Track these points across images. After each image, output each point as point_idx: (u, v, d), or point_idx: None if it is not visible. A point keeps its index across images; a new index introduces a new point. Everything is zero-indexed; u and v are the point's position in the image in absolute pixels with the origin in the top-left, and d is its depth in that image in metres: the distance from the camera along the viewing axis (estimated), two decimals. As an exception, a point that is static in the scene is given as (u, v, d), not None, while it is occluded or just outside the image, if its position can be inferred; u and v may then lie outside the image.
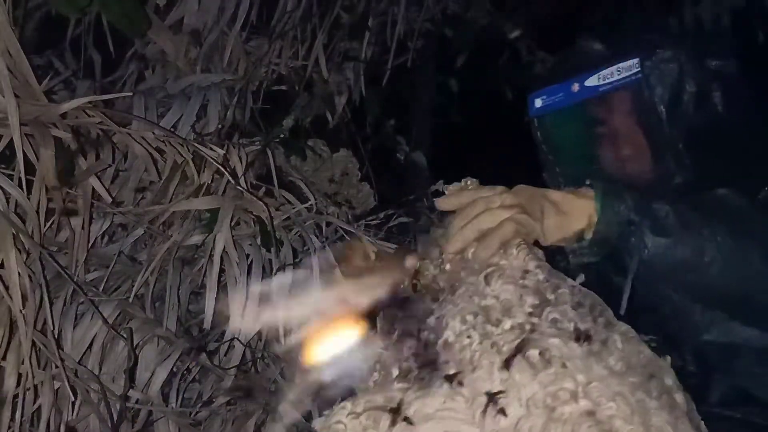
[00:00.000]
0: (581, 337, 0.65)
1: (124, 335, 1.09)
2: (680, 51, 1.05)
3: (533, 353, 0.62)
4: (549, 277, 0.74)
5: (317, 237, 1.32)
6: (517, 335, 0.65)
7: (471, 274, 0.76)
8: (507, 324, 0.67)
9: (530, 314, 0.68)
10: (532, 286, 0.72)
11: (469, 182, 0.93)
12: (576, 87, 1.09)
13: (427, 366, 0.66)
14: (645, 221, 0.86)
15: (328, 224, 1.39)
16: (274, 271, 1.26)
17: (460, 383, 0.62)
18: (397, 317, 0.75)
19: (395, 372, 0.68)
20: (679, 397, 0.66)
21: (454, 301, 0.72)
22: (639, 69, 1.04)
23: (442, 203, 0.88)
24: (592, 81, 1.08)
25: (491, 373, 0.62)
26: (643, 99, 1.05)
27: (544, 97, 1.14)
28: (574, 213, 0.87)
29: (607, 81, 1.07)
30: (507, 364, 0.62)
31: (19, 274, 0.98)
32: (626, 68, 1.05)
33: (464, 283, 0.75)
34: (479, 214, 0.82)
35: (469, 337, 0.67)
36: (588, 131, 1.13)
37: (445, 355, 0.66)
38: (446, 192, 0.92)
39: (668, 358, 0.69)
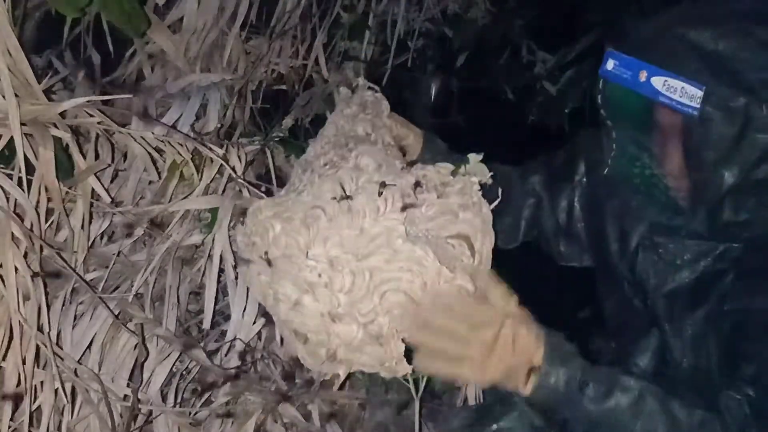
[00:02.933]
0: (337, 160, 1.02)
1: (134, 332, 1.10)
2: (754, 100, 0.91)
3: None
4: (356, 143, 1.06)
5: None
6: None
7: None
8: (320, 162, 1.04)
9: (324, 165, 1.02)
10: (337, 142, 1.08)
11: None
12: (643, 76, 0.97)
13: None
14: (587, 391, 0.89)
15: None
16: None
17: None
18: None
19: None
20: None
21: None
22: (699, 105, 0.92)
23: None
24: (657, 81, 0.96)
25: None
26: (692, 140, 0.96)
27: (617, 63, 1.02)
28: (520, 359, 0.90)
29: (668, 93, 0.95)
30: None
31: (18, 272, 0.98)
32: (689, 93, 0.93)
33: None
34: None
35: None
36: (648, 125, 1.03)
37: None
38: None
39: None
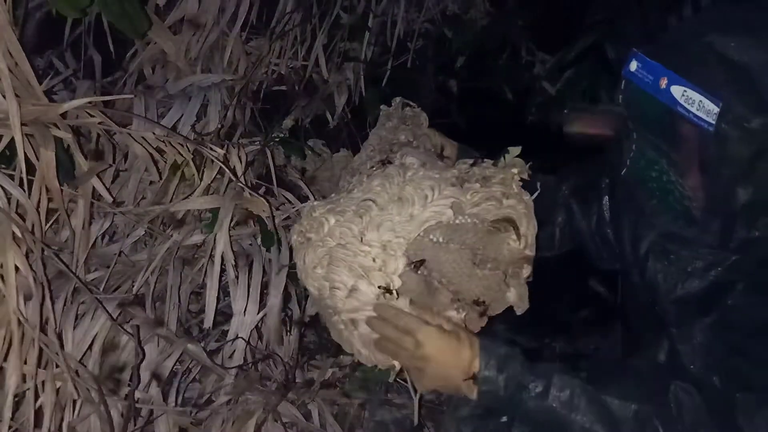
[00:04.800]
0: (384, 161, 1.11)
1: (131, 333, 1.10)
2: None
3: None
4: (400, 147, 1.17)
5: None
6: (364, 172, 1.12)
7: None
8: (366, 166, 1.13)
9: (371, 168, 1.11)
10: (381, 149, 1.19)
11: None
12: (664, 83, 0.93)
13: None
14: (536, 384, 0.97)
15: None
16: (275, 270, 1.27)
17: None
18: None
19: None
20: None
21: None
22: (714, 122, 0.89)
23: None
24: (677, 91, 0.92)
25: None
26: (708, 153, 0.93)
27: (640, 65, 0.97)
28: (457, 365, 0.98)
29: (685, 104, 0.91)
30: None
31: (19, 272, 0.98)
32: (706, 108, 0.90)
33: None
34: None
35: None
36: (669, 131, 0.99)
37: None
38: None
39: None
